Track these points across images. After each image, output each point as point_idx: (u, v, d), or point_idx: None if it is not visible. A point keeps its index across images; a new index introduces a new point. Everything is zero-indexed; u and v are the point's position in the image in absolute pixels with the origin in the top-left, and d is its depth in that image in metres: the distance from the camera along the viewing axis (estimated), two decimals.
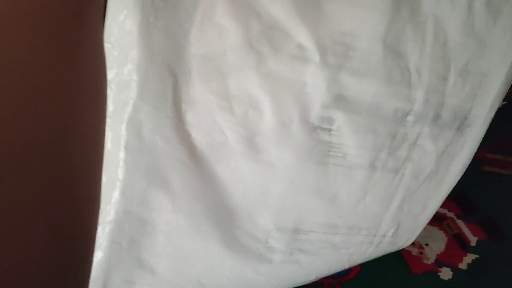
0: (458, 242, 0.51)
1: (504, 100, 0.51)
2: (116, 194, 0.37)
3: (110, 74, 0.35)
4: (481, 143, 0.43)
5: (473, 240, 0.50)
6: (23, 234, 0.18)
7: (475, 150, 0.44)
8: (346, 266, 0.48)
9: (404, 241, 0.49)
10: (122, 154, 0.36)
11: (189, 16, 0.33)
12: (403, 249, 0.51)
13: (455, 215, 0.52)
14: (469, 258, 0.50)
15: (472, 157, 0.45)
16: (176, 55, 0.34)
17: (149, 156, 0.37)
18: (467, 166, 0.45)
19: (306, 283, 0.48)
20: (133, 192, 0.38)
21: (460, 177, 0.46)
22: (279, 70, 0.36)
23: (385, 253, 0.50)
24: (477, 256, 0.49)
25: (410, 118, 0.41)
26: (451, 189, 0.46)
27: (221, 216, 0.41)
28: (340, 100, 0.38)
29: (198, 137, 0.38)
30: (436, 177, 0.45)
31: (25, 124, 0.19)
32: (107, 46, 0.34)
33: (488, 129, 0.41)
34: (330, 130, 0.40)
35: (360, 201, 0.44)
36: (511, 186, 0.51)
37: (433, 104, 0.40)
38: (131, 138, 0.36)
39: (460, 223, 0.52)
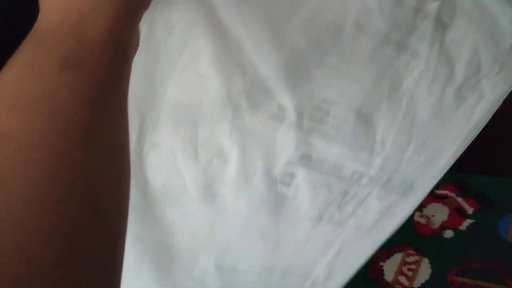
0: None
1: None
2: None
3: None
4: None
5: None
6: None
7: (412, 211, 0.46)
8: None
9: (335, 285, 0.50)
10: None
11: (170, 61, 0.30)
12: (413, 219, 0.67)
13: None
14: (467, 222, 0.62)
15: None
16: (148, 99, 0.31)
17: None
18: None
19: None
20: None
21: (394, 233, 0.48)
22: (252, 125, 0.34)
23: None
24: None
25: (364, 180, 0.41)
26: (384, 241, 0.48)
27: (163, 257, 0.40)
28: (305, 158, 0.38)
29: (154, 179, 0.35)
30: (374, 232, 0.47)
31: None
32: None
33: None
34: (289, 184, 0.39)
35: (300, 248, 0.45)
36: None
37: (388, 170, 0.41)
38: None
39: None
